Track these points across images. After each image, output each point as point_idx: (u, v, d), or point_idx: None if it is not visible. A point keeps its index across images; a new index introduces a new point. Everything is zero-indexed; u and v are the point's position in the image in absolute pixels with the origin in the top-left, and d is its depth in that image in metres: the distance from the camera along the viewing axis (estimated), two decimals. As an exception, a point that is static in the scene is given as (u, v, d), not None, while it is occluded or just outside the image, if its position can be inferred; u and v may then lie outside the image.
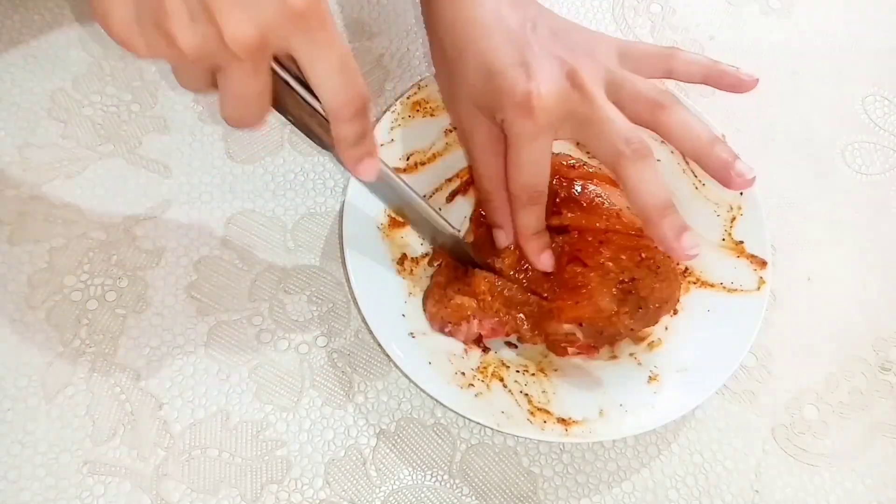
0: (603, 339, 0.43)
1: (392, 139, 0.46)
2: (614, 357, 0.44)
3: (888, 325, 0.48)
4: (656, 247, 0.41)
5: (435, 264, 0.45)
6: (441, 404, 0.40)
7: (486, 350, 0.43)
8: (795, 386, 0.46)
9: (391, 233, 0.44)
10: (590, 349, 0.43)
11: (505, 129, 0.39)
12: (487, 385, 0.41)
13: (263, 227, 0.47)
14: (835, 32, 0.58)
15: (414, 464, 0.42)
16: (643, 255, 0.41)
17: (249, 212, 0.47)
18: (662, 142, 0.48)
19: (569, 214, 0.42)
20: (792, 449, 0.44)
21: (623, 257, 0.41)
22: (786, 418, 0.45)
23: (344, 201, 0.43)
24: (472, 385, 0.41)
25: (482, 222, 0.45)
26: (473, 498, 0.41)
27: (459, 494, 0.41)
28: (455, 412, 0.40)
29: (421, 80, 0.47)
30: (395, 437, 0.42)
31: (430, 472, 0.42)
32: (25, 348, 0.42)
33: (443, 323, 0.42)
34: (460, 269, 0.44)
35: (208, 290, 0.45)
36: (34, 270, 0.44)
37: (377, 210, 0.44)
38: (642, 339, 0.44)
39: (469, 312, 0.42)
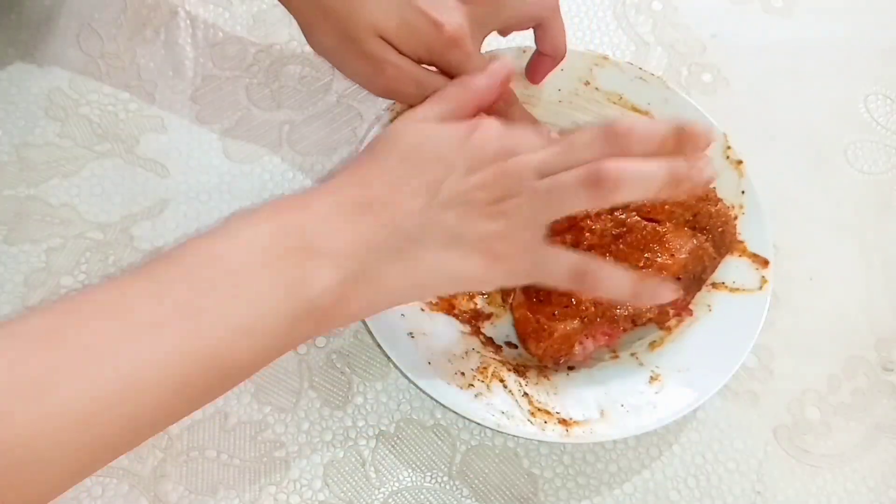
0: (695, 286, 0.43)
1: (391, 138, 0.45)
2: (615, 357, 0.43)
3: (890, 325, 0.48)
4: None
5: (509, 300, 0.44)
6: (441, 405, 0.40)
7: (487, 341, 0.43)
8: (797, 386, 0.45)
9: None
10: (686, 307, 0.43)
11: (436, 64, 0.41)
12: (487, 385, 0.41)
13: (262, 226, 0.46)
14: (837, 31, 0.58)
15: (413, 465, 0.41)
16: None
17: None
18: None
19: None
20: (794, 450, 0.44)
21: (681, 197, 0.42)
22: (788, 419, 0.45)
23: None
24: (472, 385, 0.40)
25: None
26: (473, 499, 0.41)
27: (459, 496, 0.41)
28: (455, 413, 0.40)
29: (420, 79, 0.47)
30: (395, 439, 0.42)
31: (429, 474, 0.41)
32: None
33: (556, 358, 0.42)
34: (540, 291, 0.42)
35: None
36: (31, 271, 0.44)
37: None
38: (666, 321, 0.44)
39: (576, 336, 0.41)
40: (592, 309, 0.41)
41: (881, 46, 0.58)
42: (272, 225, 0.33)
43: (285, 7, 0.42)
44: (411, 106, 0.41)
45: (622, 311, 0.41)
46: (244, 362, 0.31)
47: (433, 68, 0.42)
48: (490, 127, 0.36)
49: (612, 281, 0.36)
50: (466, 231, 0.34)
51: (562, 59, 0.45)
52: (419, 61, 0.41)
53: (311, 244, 0.32)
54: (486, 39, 0.43)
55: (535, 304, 0.42)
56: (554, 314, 0.41)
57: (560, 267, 0.36)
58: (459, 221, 0.34)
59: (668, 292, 0.37)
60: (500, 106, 0.42)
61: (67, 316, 0.30)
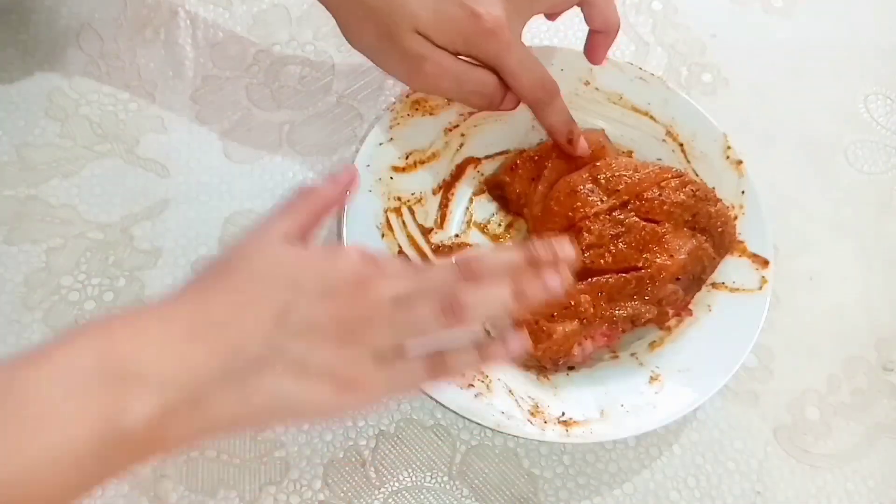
0: (694, 286, 0.43)
1: (391, 138, 0.45)
2: (615, 357, 0.43)
3: (890, 325, 0.48)
4: (689, 176, 0.44)
5: None
6: (441, 405, 0.40)
7: None
8: (797, 386, 0.45)
9: (390, 233, 0.44)
10: (686, 307, 0.44)
11: (474, 55, 0.41)
12: (487, 385, 0.41)
13: (262, 226, 0.46)
14: (837, 31, 0.58)
15: (413, 465, 0.41)
16: (690, 187, 0.43)
17: (247, 212, 0.47)
18: (664, 139, 0.48)
19: (618, 188, 0.43)
20: (794, 450, 0.44)
21: (680, 198, 0.43)
22: (788, 419, 0.45)
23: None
24: (472, 385, 0.40)
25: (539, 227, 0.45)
26: (473, 499, 0.41)
27: (459, 496, 0.41)
28: (455, 413, 0.39)
29: (420, 79, 0.47)
30: (395, 439, 0.42)
31: (429, 474, 0.41)
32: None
33: (555, 359, 0.42)
34: None
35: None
36: (31, 271, 0.44)
37: (377, 210, 0.44)
38: (666, 321, 0.44)
39: (575, 338, 0.41)
40: (591, 310, 0.41)
41: (881, 46, 0.58)
42: (92, 350, 0.31)
43: (324, 6, 0.42)
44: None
45: (621, 311, 0.41)
46: (52, 494, 0.29)
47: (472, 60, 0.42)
48: (349, 255, 0.36)
49: (459, 362, 0.35)
50: (312, 360, 0.33)
51: (617, 32, 0.44)
52: (457, 53, 0.41)
53: (132, 371, 0.30)
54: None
55: (536, 309, 0.42)
56: (553, 316, 0.41)
57: (414, 370, 0.35)
58: (305, 350, 0.33)
59: (505, 359, 0.36)
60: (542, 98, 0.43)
61: None
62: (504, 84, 0.43)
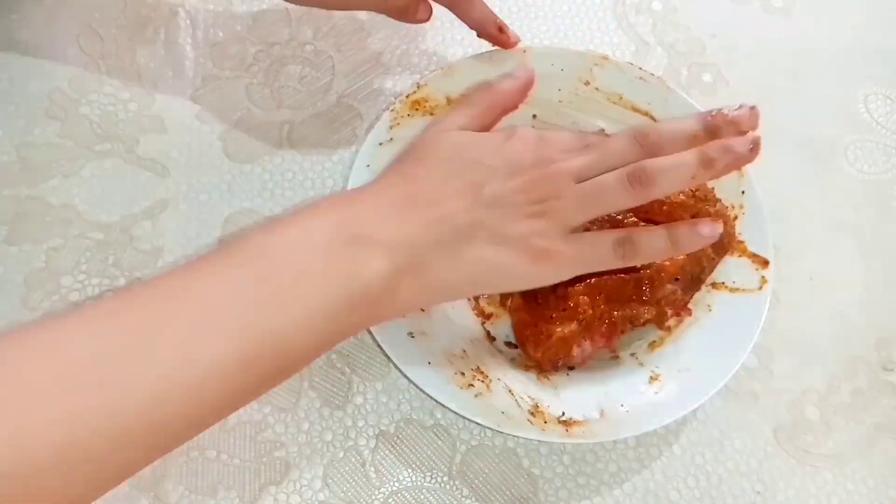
0: (693, 287, 0.43)
1: (391, 138, 0.45)
2: (616, 357, 0.43)
3: (890, 325, 0.48)
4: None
5: (507, 303, 0.44)
6: (441, 405, 0.40)
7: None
8: (797, 386, 0.45)
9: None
10: (685, 306, 0.43)
11: None
12: (487, 385, 0.41)
13: (262, 226, 0.46)
14: (836, 31, 0.58)
15: (413, 465, 0.41)
16: (689, 188, 0.42)
17: (248, 211, 0.47)
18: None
19: None
20: (794, 450, 0.44)
21: (680, 198, 0.42)
22: (788, 419, 0.45)
23: (343, 201, 0.43)
24: (472, 385, 0.40)
25: None
26: (473, 499, 0.41)
27: (459, 496, 0.41)
28: (455, 413, 0.40)
29: (420, 79, 0.47)
30: (395, 439, 0.42)
31: (429, 474, 0.41)
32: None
33: (554, 362, 0.42)
34: (538, 294, 0.42)
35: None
36: (31, 271, 0.44)
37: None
38: (666, 320, 0.44)
39: (574, 340, 0.41)
40: (590, 311, 0.41)
41: (880, 47, 0.58)
42: (326, 220, 0.35)
43: None
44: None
45: (620, 313, 0.41)
46: (303, 349, 0.33)
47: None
48: (525, 135, 0.38)
49: (651, 243, 0.38)
50: (509, 230, 0.36)
51: (494, 25, 0.45)
52: None
53: (363, 236, 0.34)
54: (480, 42, 0.45)
55: (533, 307, 0.42)
56: (551, 317, 0.41)
57: (603, 248, 0.37)
58: (502, 221, 0.36)
59: (707, 231, 0.38)
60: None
61: (130, 301, 0.31)
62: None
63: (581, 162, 0.37)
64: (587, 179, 0.37)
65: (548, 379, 0.42)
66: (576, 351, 0.41)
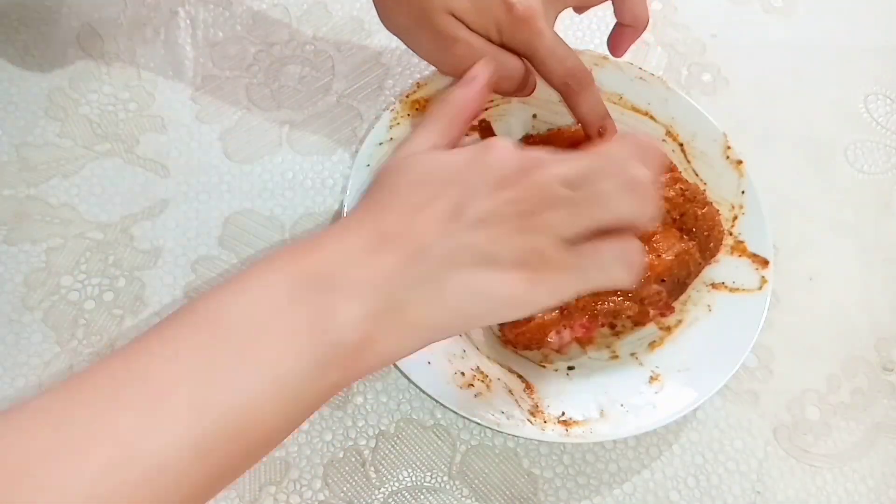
0: (678, 290, 0.43)
1: (391, 138, 0.45)
2: (615, 357, 0.43)
3: (890, 325, 0.48)
4: (681, 174, 0.44)
5: None
6: (441, 405, 0.40)
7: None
8: (797, 386, 0.45)
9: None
10: (668, 307, 0.43)
11: (507, 43, 0.40)
12: (487, 385, 0.41)
13: (262, 226, 0.46)
14: (836, 31, 0.58)
15: (413, 465, 0.41)
16: (679, 185, 0.42)
17: (248, 211, 0.47)
18: (664, 139, 0.48)
19: None
20: (794, 450, 0.44)
21: (670, 194, 0.42)
22: (788, 419, 0.45)
23: (343, 201, 0.43)
24: (472, 385, 0.40)
25: None
26: (473, 499, 0.41)
27: (459, 496, 0.41)
28: (455, 412, 0.40)
29: (420, 79, 0.47)
30: (395, 439, 0.42)
31: (429, 474, 0.41)
32: (22, 349, 0.42)
33: (528, 345, 0.41)
34: None
35: (206, 290, 0.44)
36: (31, 270, 0.44)
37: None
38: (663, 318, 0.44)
39: (552, 327, 0.41)
40: (574, 301, 0.41)
41: (881, 46, 0.58)
42: (284, 272, 0.31)
43: None
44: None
45: (603, 305, 0.41)
46: (272, 424, 0.29)
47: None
48: (501, 144, 0.35)
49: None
50: (500, 249, 0.32)
51: (644, 28, 0.44)
52: (491, 41, 0.41)
53: (330, 281, 0.30)
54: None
55: None
56: None
57: (606, 262, 0.33)
58: (492, 240, 0.32)
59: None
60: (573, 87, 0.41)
61: (64, 392, 0.27)
62: (532, 71, 0.42)
63: (568, 167, 0.34)
64: (577, 186, 0.33)
65: (547, 366, 0.42)
66: (553, 337, 0.41)
